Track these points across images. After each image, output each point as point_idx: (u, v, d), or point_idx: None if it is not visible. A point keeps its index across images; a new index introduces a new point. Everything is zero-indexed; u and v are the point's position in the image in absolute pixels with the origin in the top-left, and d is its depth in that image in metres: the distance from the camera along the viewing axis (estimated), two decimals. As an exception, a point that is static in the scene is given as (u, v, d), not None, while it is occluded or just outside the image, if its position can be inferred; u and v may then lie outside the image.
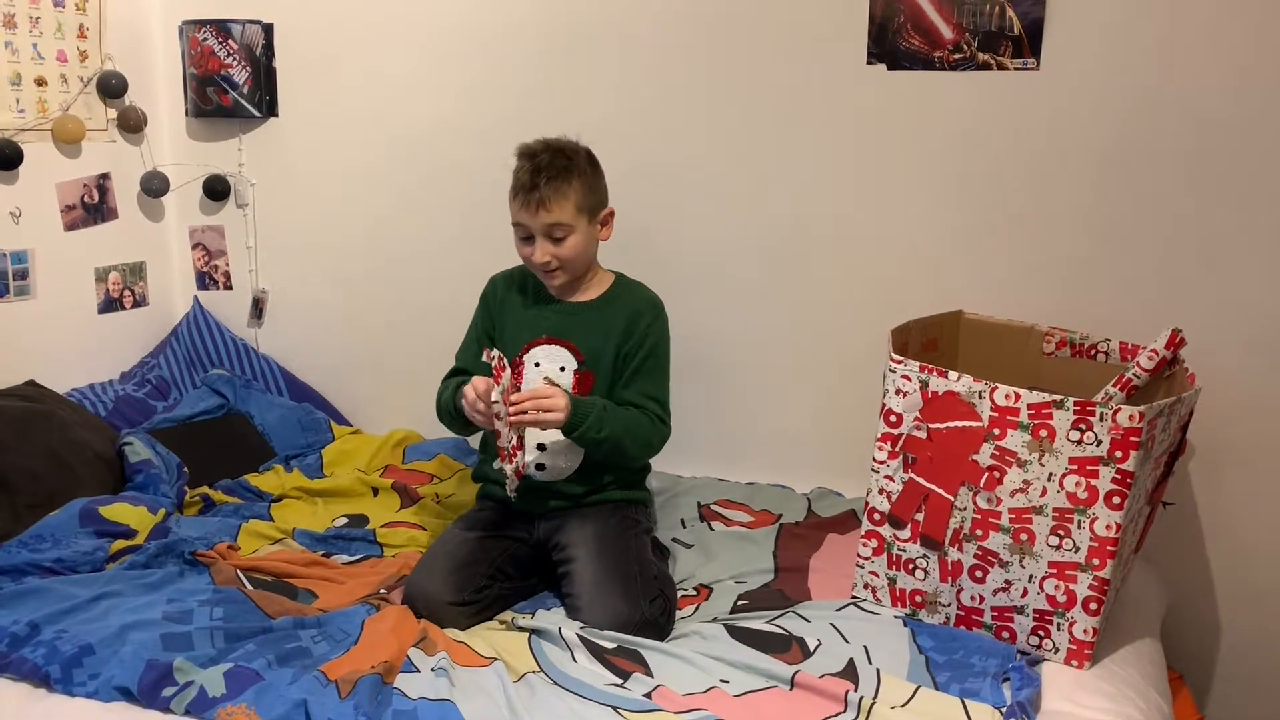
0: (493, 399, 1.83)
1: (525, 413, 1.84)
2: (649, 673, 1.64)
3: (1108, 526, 1.65)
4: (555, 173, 1.96)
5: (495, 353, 1.85)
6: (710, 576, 2.05)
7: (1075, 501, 1.66)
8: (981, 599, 1.78)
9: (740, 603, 1.93)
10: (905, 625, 1.81)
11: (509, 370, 1.85)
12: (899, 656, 1.71)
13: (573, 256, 2.01)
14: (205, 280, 2.95)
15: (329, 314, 2.89)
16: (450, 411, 2.02)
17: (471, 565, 1.91)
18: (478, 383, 1.86)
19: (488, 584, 1.91)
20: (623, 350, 2.06)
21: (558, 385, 1.97)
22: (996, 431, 1.70)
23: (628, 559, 1.91)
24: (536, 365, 2.07)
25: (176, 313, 2.94)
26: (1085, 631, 1.70)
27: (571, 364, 2.06)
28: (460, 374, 2.09)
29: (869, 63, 2.31)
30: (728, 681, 1.61)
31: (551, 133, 2.07)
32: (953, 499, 1.76)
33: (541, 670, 1.65)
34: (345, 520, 2.31)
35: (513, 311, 2.12)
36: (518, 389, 1.89)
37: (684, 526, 2.29)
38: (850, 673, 1.64)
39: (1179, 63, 2.11)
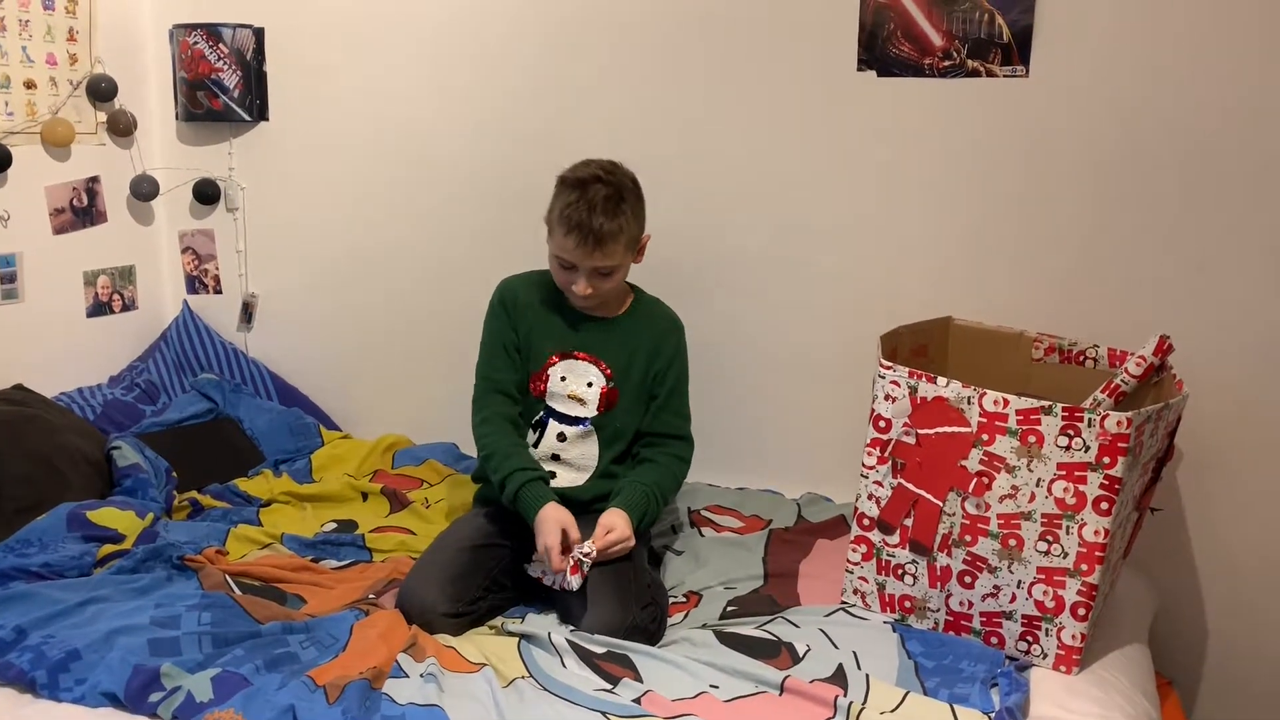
0: (576, 588, 1.86)
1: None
2: (638, 678, 1.64)
3: (1096, 532, 1.65)
4: (611, 214, 1.91)
5: (574, 558, 1.84)
6: (700, 583, 2.05)
7: (1063, 507, 1.67)
8: (970, 604, 1.78)
9: (730, 608, 1.93)
10: (894, 630, 1.81)
11: (593, 554, 1.86)
12: (888, 662, 1.71)
13: (614, 288, 2.02)
14: (195, 284, 2.94)
15: (319, 318, 2.88)
16: (510, 503, 1.98)
17: (467, 576, 1.89)
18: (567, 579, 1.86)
19: (482, 595, 1.90)
20: (653, 369, 2.08)
21: (614, 514, 1.94)
22: (985, 437, 1.71)
23: (623, 565, 1.90)
24: (563, 379, 2.07)
25: (166, 317, 2.93)
26: (1073, 637, 1.71)
27: (600, 380, 2.06)
28: (501, 393, 2.06)
29: (859, 70, 2.32)
30: (717, 687, 1.61)
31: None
32: (941, 504, 1.77)
33: (531, 676, 1.64)
34: (334, 525, 2.30)
35: (539, 321, 2.09)
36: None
37: (674, 532, 2.29)
38: (839, 678, 1.64)
39: (1168, 70, 2.13)
